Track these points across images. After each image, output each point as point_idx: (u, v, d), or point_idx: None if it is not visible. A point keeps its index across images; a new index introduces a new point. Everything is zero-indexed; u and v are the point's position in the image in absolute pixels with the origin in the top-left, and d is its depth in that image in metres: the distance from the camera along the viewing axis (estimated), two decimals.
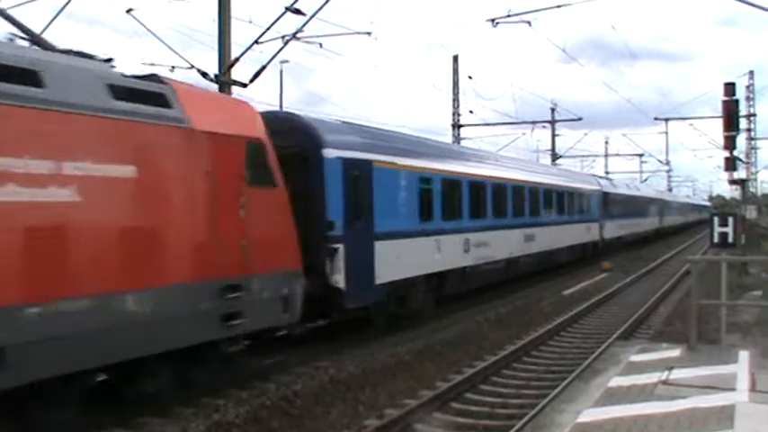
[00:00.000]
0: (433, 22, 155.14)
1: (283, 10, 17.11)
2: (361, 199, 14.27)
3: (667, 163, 78.51)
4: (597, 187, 36.41)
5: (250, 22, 20.45)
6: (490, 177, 21.45)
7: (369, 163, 14.65)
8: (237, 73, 17.98)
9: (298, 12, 17.24)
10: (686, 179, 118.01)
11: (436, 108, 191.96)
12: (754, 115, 47.47)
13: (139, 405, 9.95)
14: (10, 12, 10.65)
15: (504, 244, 21.84)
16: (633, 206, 45.02)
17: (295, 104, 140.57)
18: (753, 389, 8.26)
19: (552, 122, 49.92)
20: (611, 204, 38.17)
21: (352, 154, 14.20)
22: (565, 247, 29.23)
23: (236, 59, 17.49)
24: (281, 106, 35.68)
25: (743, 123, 41.27)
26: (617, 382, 8.82)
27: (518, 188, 23.84)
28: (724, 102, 18.85)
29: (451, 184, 18.59)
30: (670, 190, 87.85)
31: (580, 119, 46.71)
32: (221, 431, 9.30)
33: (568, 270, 29.54)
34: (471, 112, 41.19)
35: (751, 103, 47.55)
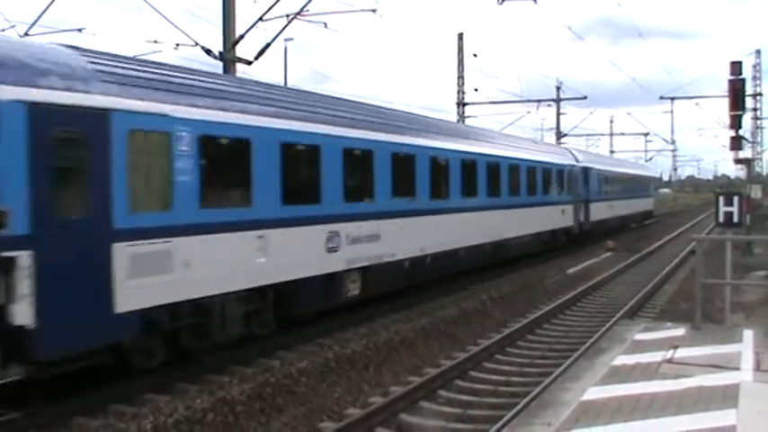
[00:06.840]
0: None
1: None
2: None
3: (673, 142, 78.06)
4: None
5: (255, 1, 20.33)
6: None
7: None
8: (242, 50, 17.85)
9: None
10: (692, 158, 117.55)
11: (441, 86, 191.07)
12: (761, 95, 47.14)
13: (145, 382, 10.00)
14: None
15: None
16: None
17: (300, 82, 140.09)
18: (757, 368, 8.27)
19: (557, 101, 49.76)
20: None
21: None
22: None
23: (241, 37, 17.38)
24: (285, 84, 35.52)
25: (749, 103, 41.12)
26: (621, 360, 8.83)
27: None
28: (730, 81, 18.78)
29: None
30: (675, 170, 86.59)
31: (585, 97, 46.59)
32: (226, 408, 9.34)
33: (572, 249, 29.52)
34: (476, 90, 41.18)
35: (757, 82, 47.26)
